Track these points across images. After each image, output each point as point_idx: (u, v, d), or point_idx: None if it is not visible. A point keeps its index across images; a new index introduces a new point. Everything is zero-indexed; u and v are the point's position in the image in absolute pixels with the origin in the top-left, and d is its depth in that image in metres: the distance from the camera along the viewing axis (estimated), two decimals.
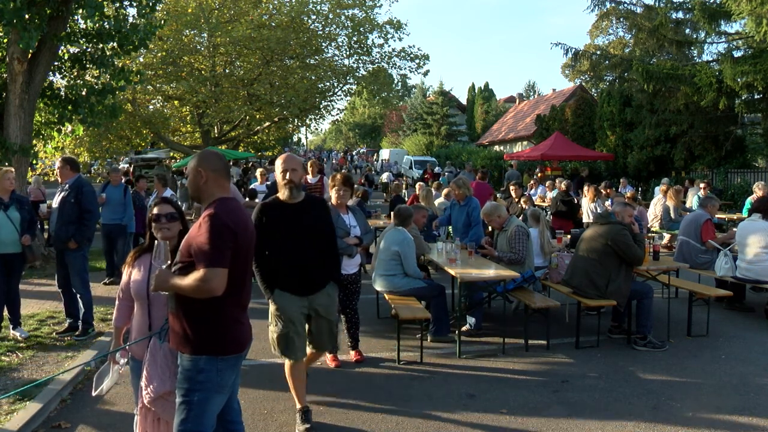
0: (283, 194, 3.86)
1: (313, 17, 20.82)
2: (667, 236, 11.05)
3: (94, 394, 3.18)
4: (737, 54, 17.22)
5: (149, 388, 2.88)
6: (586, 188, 11.45)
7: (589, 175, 22.59)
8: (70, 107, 9.66)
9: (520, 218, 7.93)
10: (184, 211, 3.47)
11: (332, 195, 5.15)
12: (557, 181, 14.27)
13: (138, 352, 3.05)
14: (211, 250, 2.52)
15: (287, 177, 3.82)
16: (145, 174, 16.16)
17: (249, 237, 2.75)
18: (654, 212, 11.42)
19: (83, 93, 9.71)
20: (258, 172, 12.49)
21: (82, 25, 9.81)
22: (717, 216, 9.17)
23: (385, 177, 28.14)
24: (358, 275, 5.33)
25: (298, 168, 3.88)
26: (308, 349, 4.03)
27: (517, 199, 10.90)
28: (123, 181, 9.57)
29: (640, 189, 19.48)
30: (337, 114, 36.53)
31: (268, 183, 11.56)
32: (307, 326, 3.95)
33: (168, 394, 2.87)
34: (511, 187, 11.57)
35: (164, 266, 2.73)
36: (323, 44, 21.61)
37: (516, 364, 5.30)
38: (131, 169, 20.61)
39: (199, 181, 2.75)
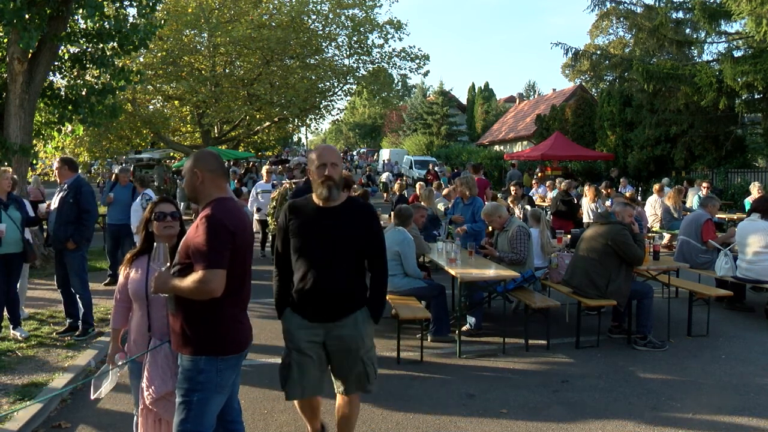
0: (319, 194, 3.11)
1: (313, 17, 20.81)
2: (667, 236, 11.05)
3: (92, 397, 3.17)
4: (737, 54, 17.22)
5: (151, 389, 2.88)
6: (586, 188, 11.44)
7: (591, 175, 22.67)
8: (70, 107, 9.66)
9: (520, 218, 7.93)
10: (183, 212, 3.47)
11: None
12: (557, 181, 14.27)
13: (137, 353, 3.05)
14: (209, 252, 2.52)
15: (326, 172, 3.06)
16: (145, 174, 16.15)
17: (248, 237, 2.75)
18: (654, 212, 11.42)
19: (83, 93, 9.71)
20: (264, 169, 12.18)
21: (82, 25, 9.81)
22: (717, 216, 9.17)
23: (384, 177, 28.13)
24: None
25: (339, 162, 3.15)
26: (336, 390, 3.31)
27: (514, 199, 10.82)
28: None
29: (640, 189, 19.48)
30: (337, 114, 36.64)
31: (274, 182, 11.44)
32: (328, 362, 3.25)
33: (170, 395, 2.87)
34: (512, 188, 11.50)
35: (163, 268, 2.73)
36: (323, 44, 21.60)
37: (516, 364, 5.30)
38: (131, 170, 20.59)
39: (195, 181, 2.73)
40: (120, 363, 3.13)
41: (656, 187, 12.12)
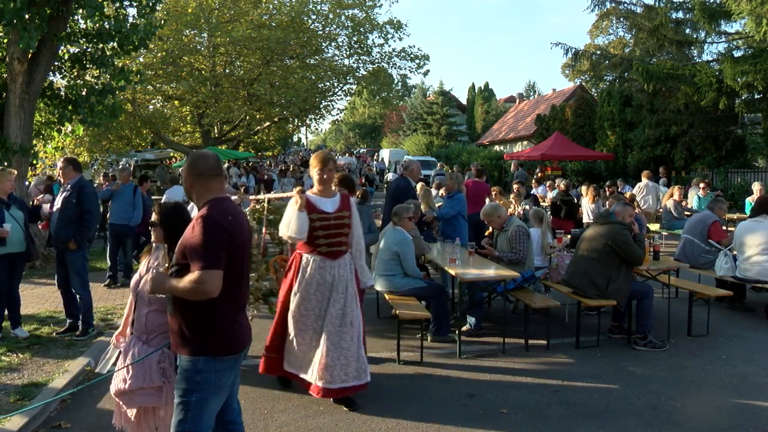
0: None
1: (313, 17, 20.81)
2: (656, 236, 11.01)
3: (96, 370, 3.46)
4: (737, 54, 17.23)
5: (129, 381, 3.03)
6: (584, 188, 11.44)
7: (590, 175, 22.65)
8: (70, 107, 9.66)
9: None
10: None
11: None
12: (557, 181, 14.27)
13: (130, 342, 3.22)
14: (205, 252, 2.52)
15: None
16: (146, 174, 16.17)
17: (244, 237, 2.74)
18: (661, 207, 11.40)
19: (83, 93, 9.70)
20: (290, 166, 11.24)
21: (82, 25, 9.81)
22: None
23: (390, 177, 28.09)
24: None
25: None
26: None
27: (513, 200, 10.75)
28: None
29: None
30: (337, 114, 36.51)
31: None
32: None
33: (140, 390, 3.05)
34: (515, 187, 11.38)
35: (161, 269, 2.75)
36: (323, 44, 21.59)
37: (516, 364, 5.29)
38: (131, 170, 20.62)
39: (186, 184, 2.79)
40: (122, 341, 3.27)
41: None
